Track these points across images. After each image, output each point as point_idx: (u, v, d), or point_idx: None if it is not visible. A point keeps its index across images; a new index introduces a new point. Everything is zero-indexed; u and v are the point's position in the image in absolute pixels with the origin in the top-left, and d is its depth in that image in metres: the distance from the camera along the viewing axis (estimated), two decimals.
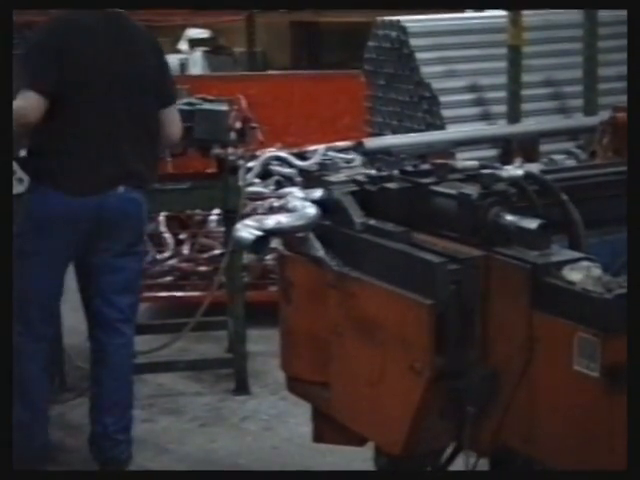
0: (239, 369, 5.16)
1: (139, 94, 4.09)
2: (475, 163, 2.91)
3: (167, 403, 5.10)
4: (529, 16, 8.30)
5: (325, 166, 6.61)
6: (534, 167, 3.38)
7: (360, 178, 2.85)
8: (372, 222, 2.66)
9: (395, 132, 8.60)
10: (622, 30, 7.31)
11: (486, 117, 8.69)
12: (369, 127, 8.68)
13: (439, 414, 2.49)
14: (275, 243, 2.86)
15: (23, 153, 4.12)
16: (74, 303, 4.38)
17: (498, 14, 8.89)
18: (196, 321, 4.95)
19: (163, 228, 6.42)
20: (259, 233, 2.65)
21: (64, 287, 4.19)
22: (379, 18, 9.19)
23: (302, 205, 2.76)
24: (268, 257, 5.57)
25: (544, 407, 2.29)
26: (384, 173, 2.87)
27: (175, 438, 4.71)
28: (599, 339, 2.12)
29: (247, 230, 2.67)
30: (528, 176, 2.75)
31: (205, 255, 6.29)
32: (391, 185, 2.75)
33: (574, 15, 8.68)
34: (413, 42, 8.68)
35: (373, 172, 2.98)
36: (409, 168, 2.81)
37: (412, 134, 8.09)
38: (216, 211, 6.21)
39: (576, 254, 2.39)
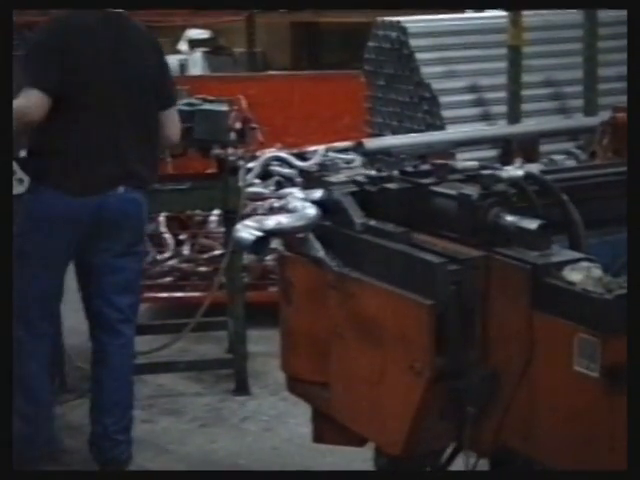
0: (239, 369, 5.17)
1: (139, 94, 4.09)
2: (475, 163, 2.91)
3: (167, 403, 5.10)
4: (529, 16, 8.29)
5: (325, 167, 6.59)
6: (534, 167, 3.38)
7: (360, 179, 2.85)
8: (372, 223, 2.66)
9: (395, 132, 8.59)
10: (622, 30, 7.30)
11: (486, 117, 8.68)
12: (369, 127, 8.67)
13: (439, 414, 2.49)
14: (275, 244, 2.86)
15: (23, 153, 4.12)
16: (74, 303, 4.37)
17: (498, 14, 8.88)
18: (196, 321, 4.96)
19: (163, 228, 6.43)
20: (259, 234, 2.65)
21: (64, 287, 4.19)
22: (379, 18, 9.18)
23: (302, 206, 2.76)
24: (268, 258, 5.56)
25: (544, 407, 2.29)
26: (384, 174, 2.86)
27: (175, 438, 4.71)
28: (599, 339, 2.13)
29: (247, 231, 2.67)
30: (528, 176, 2.74)
31: (205, 255, 6.30)
32: (391, 186, 2.75)
33: (574, 15, 8.68)
34: (413, 42, 8.67)
35: (373, 173, 2.98)
36: (409, 169, 2.81)
37: (412, 134, 8.08)
38: (216, 212, 6.21)
39: (576, 254, 2.39)
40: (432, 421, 2.50)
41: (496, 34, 8.62)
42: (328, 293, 2.71)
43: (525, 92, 8.25)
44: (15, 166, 4.00)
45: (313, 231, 2.75)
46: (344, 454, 3.56)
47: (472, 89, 8.74)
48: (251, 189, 6.24)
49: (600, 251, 2.52)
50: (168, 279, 6.28)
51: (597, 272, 2.24)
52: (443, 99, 8.50)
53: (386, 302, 2.52)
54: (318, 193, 2.82)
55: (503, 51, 8.21)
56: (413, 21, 8.96)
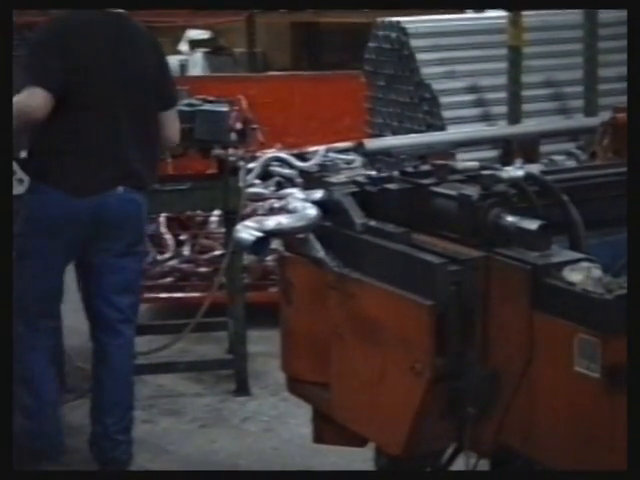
0: (239, 370, 5.16)
1: (139, 94, 4.09)
2: (475, 164, 2.91)
3: (167, 404, 5.10)
4: (529, 17, 8.30)
5: (325, 167, 6.59)
6: (534, 168, 3.38)
7: (360, 179, 2.85)
8: (372, 223, 2.66)
9: (395, 133, 8.59)
10: (622, 31, 7.32)
11: (486, 118, 8.68)
12: (369, 128, 8.68)
13: (439, 415, 2.49)
14: (275, 244, 2.86)
15: (23, 154, 4.12)
16: (74, 303, 4.37)
17: (498, 15, 8.89)
18: (196, 322, 4.95)
19: (163, 229, 6.43)
20: (259, 234, 2.65)
21: (64, 287, 4.20)
22: (379, 19, 9.19)
23: (302, 206, 2.76)
24: (268, 258, 5.56)
25: (544, 408, 2.29)
26: (384, 174, 2.87)
27: (175, 439, 4.71)
28: (599, 340, 2.13)
29: (247, 231, 2.67)
30: (528, 177, 2.74)
31: (205, 256, 6.30)
32: (391, 186, 2.75)
33: (574, 16, 8.68)
34: (413, 43, 8.67)
35: (373, 173, 2.98)
36: (409, 169, 2.81)
37: (412, 135, 8.09)
38: (216, 212, 6.21)
39: (576, 255, 2.39)
40: (432, 421, 2.50)
41: (496, 35, 8.63)
42: (328, 293, 2.71)
43: (525, 93, 8.26)
44: (15, 166, 4.00)
45: (313, 232, 2.75)
46: (344, 454, 3.55)
47: (472, 90, 8.74)
48: (251, 189, 6.25)
49: (600, 251, 2.52)
50: (168, 279, 6.28)
51: (597, 272, 2.24)
52: (443, 99, 8.51)
53: (386, 303, 2.52)
54: (318, 194, 2.82)
55: (503, 52, 8.22)
56: (413, 22, 8.97)
